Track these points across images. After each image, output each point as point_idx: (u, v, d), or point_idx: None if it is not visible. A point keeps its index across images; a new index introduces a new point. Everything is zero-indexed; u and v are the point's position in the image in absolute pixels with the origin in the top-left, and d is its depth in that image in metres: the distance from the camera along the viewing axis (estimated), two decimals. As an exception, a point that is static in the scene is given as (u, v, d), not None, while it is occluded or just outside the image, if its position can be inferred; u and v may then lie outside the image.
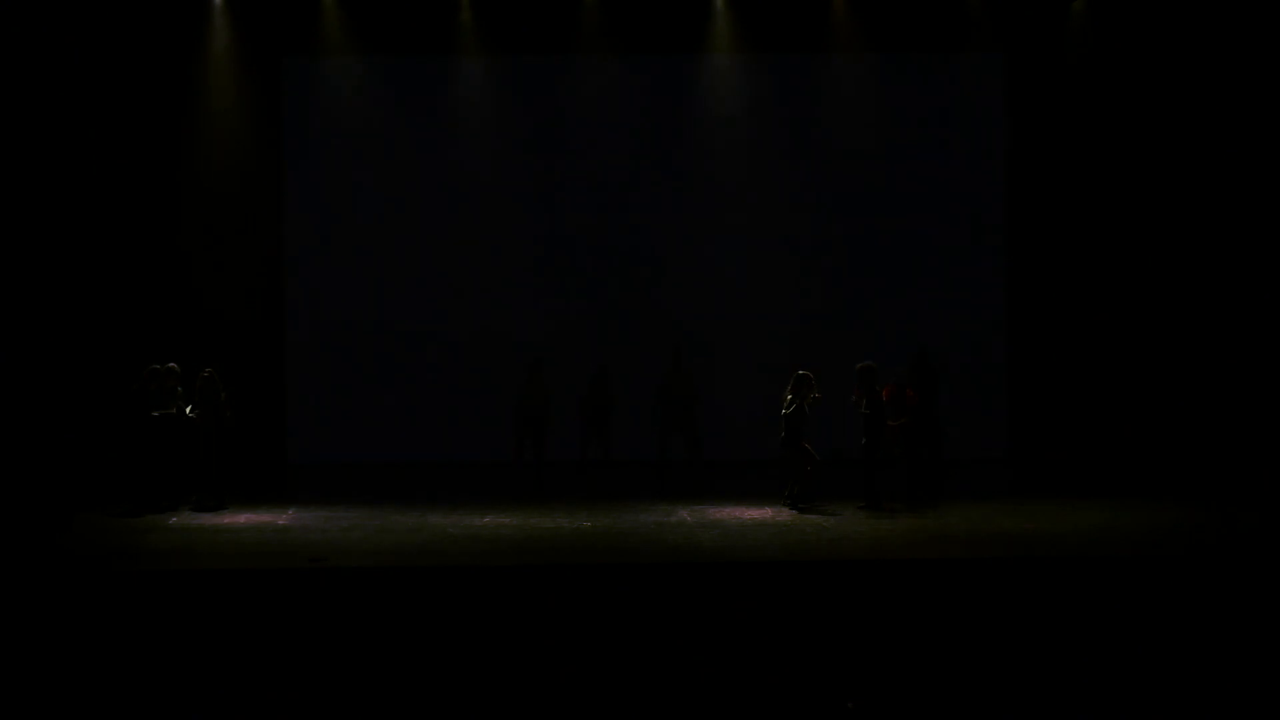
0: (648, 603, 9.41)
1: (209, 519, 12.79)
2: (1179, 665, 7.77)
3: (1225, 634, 8.44)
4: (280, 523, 12.57)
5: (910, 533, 11.70)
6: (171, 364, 13.47)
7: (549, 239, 17.16)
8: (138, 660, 8.05)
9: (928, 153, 17.22)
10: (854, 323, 17.20)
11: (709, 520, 12.45)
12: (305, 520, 12.66)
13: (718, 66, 17.04)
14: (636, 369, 16.44)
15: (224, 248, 16.36)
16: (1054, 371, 16.77)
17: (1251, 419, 15.32)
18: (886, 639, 8.39)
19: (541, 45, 16.89)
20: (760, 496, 13.73)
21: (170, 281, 16.07)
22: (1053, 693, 7.28)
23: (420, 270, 17.05)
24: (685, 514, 12.82)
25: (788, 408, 13.19)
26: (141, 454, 13.30)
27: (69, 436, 14.75)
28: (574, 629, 8.75)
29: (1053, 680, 7.50)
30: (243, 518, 12.81)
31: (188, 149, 16.31)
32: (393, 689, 7.46)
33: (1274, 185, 15.76)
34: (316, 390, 16.82)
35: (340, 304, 16.94)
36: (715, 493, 14.15)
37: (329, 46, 16.66)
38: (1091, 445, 16.16)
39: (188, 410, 13.34)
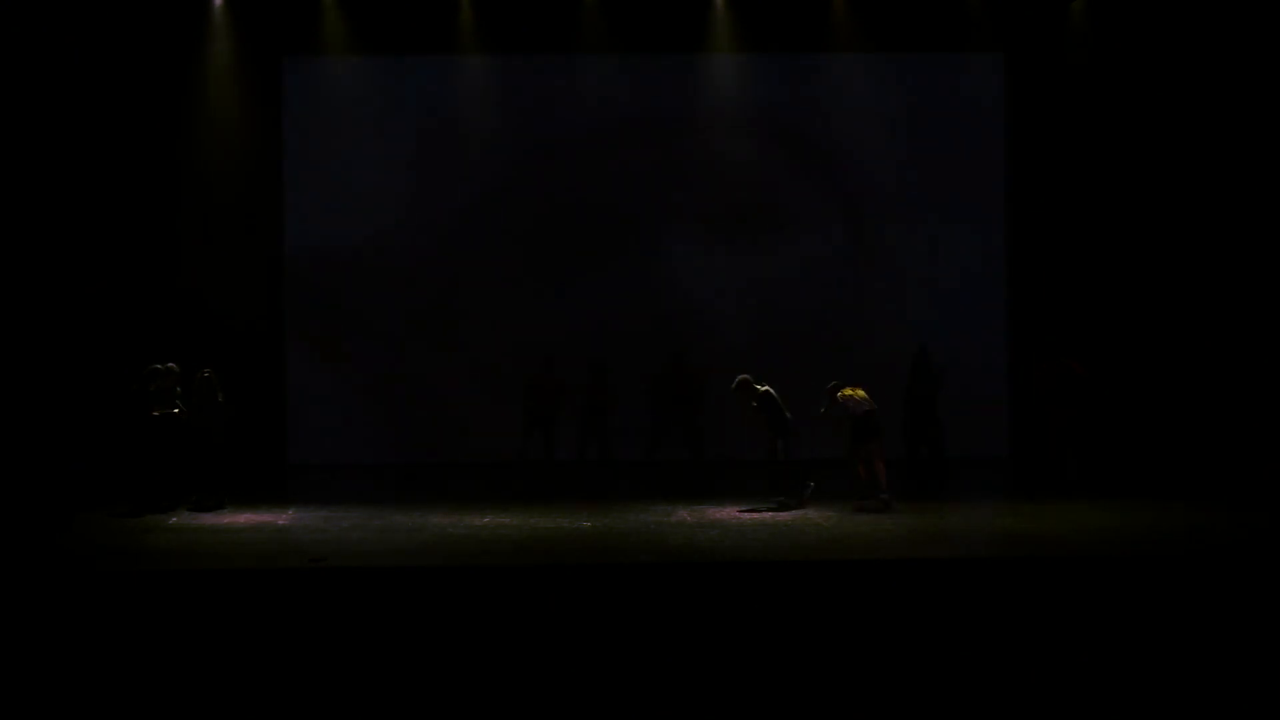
0: (648, 603, 9.41)
1: (209, 519, 12.79)
2: (1179, 665, 7.77)
3: (1226, 634, 8.44)
4: (280, 523, 12.56)
5: (910, 533, 11.69)
6: (170, 364, 13.46)
7: (550, 238, 17.15)
8: (138, 660, 8.05)
9: (929, 152, 17.20)
10: (855, 321, 17.20)
11: (709, 520, 12.44)
12: (305, 520, 12.66)
13: (718, 65, 17.03)
14: (639, 369, 16.42)
15: (224, 247, 16.37)
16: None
17: (1255, 419, 15.29)
18: (886, 639, 8.38)
19: (542, 45, 16.87)
20: (760, 497, 13.72)
21: (170, 282, 16.07)
22: (1053, 693, 7.28)
23: (421, 270, 17.04)
24: (685, 514, 12.81)
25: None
26: (141, 454, 13.30)
27: (74, 463, 14.75)
28: (574, 629, 8.75)
29: (1053, 680, 7.49)
30: (243, 518, 12.80)
31: (187, 149, 16.32)
32: (393, 689, 7.45)
33: (1276, 184, 15.73)
34: (317, 391, 16.81)
35: (340, 304, 16.94)
36: (715, 493, 14.14)
37: (329, 46, 16.65)
38: (1093, 445, 16.14)
39: (175, 410, 13.33)
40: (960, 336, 16.54)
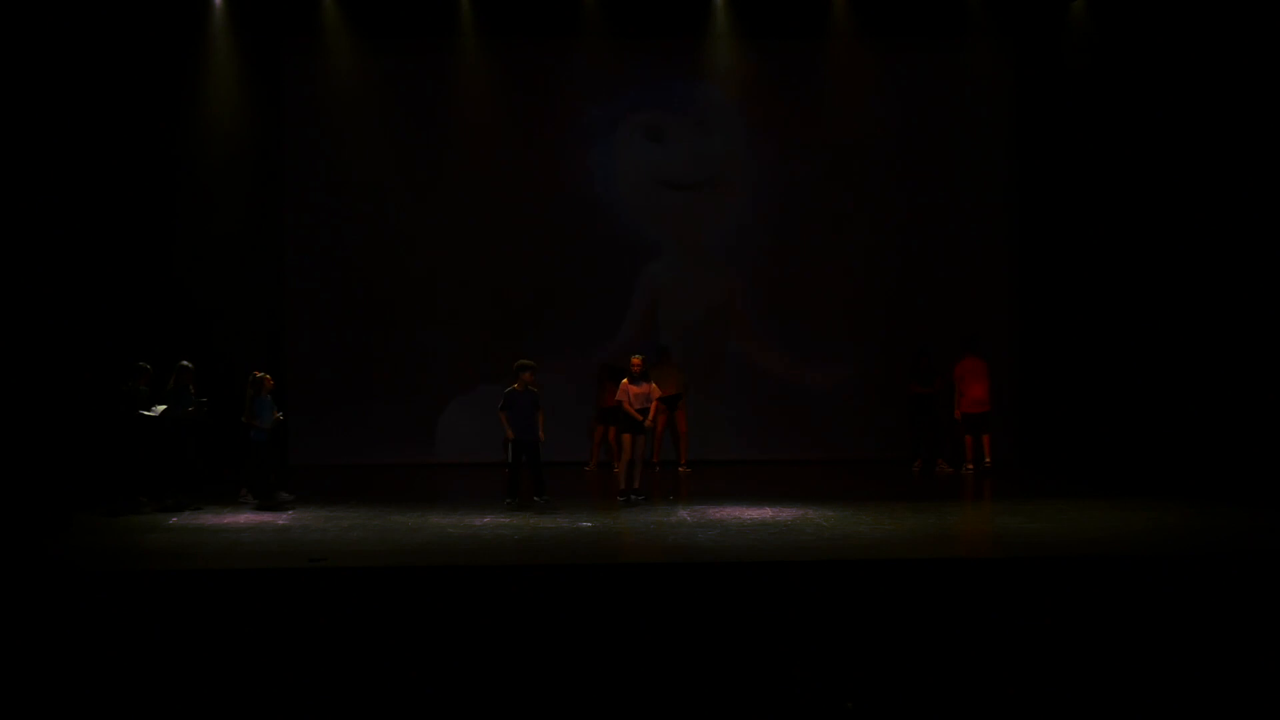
0: (648, 603, 9.41)
1: (209, 519, 12.79)
2: (1179, 665, 7.77)
3: (1226, 634, 8.44)
4: (280, 523, 12.56)
5: (910, 533, 11.69)
6: (185, 362, 13.50)
7: (550, 234, 17.13)
8: (137, 660, 8.04)
9: (936, 148, 17.19)
10: (860, 319, 17.19)
11: (709, 520, 12.44)
12: (305, 520, 12.67)
13: (719, 54, 16.99)
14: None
15: (223, 244, 16.34)
16: (1059, 370, 16.75)
17: (1259, 419, 15.22)
18: (886, 639, 8.38)
19: (542, 30, 16.82)
20: (760, 496, 13.74)
21: (169, 280, 16.02)
22: (1053, 693, 7.28)
23: (422, 266, 17.03)
24: (685, 514, 12.81)
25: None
26: (135, 452, 13.32)
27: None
28: (574, 629, 8.75)
29: (1053, 680, 7.49)
30: (243, 518, 12.81)
31: (185, 141, 16.26)
32: (393, 689, 7.45)
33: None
34: (317, 391, 16.80)
35: (341, 302, 16.92)
36: (715, 493, 14.14)
37: (328, 33, 16.61)
38: (1097, 445, 16.12)
39: (160, 409, 13.35)
40: (966, 334, 16.43)
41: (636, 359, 13.64)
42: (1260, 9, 15.06)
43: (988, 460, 15.48)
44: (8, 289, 14.89)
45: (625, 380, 13.56)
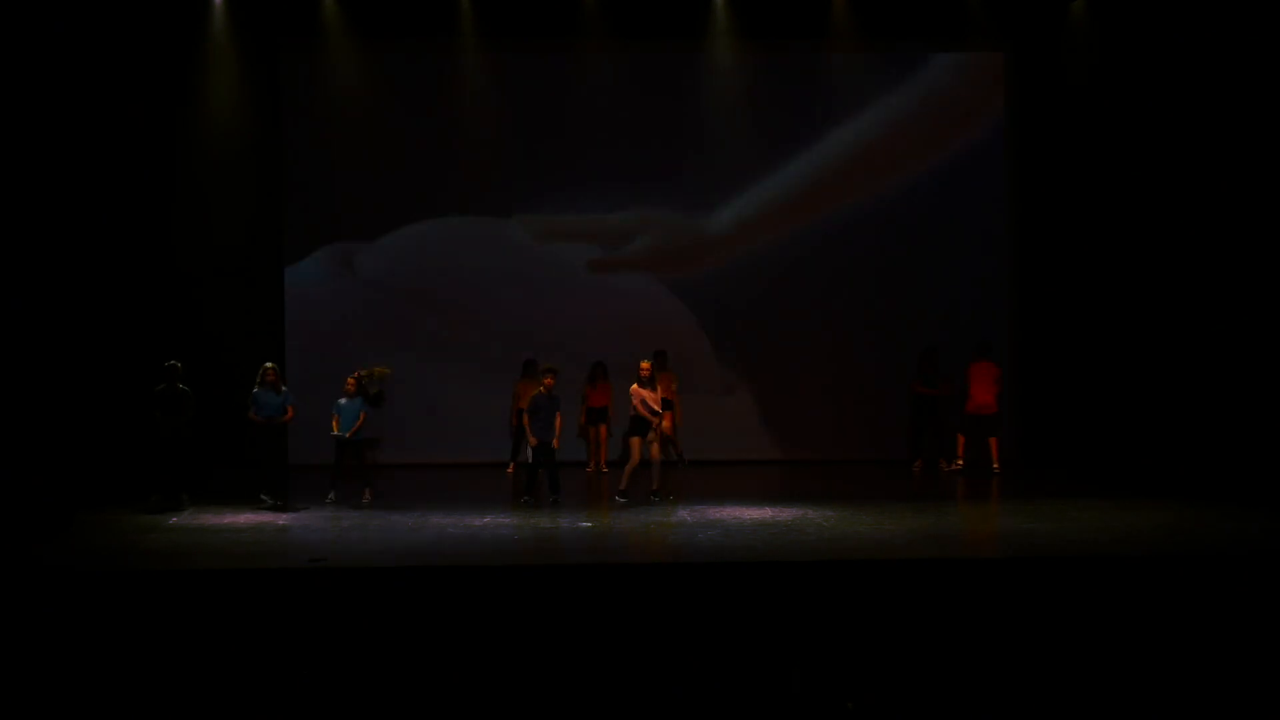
0: (648, 603, 9.41)
1: (210, 519, 12.80)
2: (1179, 665, 7.77)
3: (1226, 634, 8.44)
4: (280, 523, 12.57)
5: (910, 533, 11.70)
6: (269, 364, 13.58)
7: (550, 232, 17.11)
8: (138, 660, 8.05)
9: (931, 150, 17.16)
10: (857, 321, 17.16)
11: (709, 520, 12.44)
12: (305, 520, 12.67)
13: (717, 59, 16.97)
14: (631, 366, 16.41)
15: (222, 244, 16.29)
16: (1059, 370, 16.74)
17: (1259, 419, 15.22)
18: (886, 639, 8.38)
19: (542, 33, 16.78)
20: (760, 496, 13.73)
21: (168, 279, 15.99)
22: (1053, 693, 7.28)
23: (421, 266, 17.00)
24: (685, 514, 12.81)
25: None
26: (168, 457, 13.36)
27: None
28: (574, 629, 8.75)
29: (1053, 680, 7.50)
30: (243, 518, 12.81)
31: (186, 142, 16.19)
32: (393, 689, 7.45)
33: (1277, 183, 15.63)
34: (317, 391, 16.77)
35: (339, 301, 16.90)
36: (715, 493, 14.14)
37: (328, 32, 16.56)
38: (1096, 445, 16.11)
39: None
40: (963, 337, 16.43)
41: (646, 363, 13.62)
42: (1259, 11, 15.05)
43: (996, 466, 15.43)
44: (8, 289, 14.90)
45: (636, 384, 13.53)
